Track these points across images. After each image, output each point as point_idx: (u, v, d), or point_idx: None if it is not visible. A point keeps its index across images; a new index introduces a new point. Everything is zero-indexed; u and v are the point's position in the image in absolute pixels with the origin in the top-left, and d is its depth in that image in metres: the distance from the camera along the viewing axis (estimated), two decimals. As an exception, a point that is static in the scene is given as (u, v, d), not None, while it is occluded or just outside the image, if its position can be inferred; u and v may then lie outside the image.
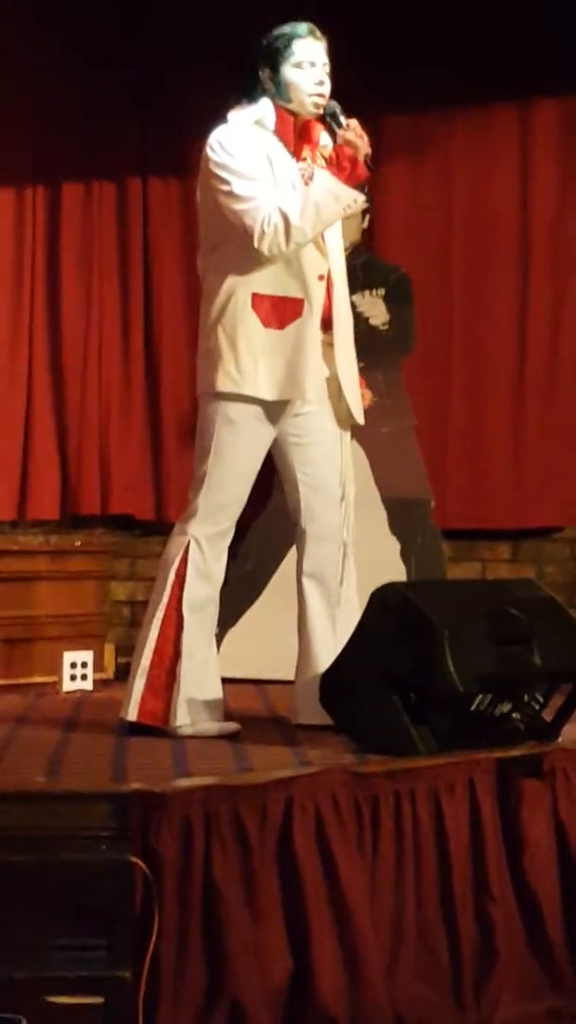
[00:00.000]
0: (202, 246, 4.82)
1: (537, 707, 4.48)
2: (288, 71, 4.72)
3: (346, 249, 6.72)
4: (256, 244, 4.58)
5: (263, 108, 4.75)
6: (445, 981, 3.89)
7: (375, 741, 4.19)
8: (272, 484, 5.44)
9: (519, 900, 4.10)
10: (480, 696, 4.25)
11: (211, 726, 4.72)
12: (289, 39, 4.74)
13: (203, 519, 4.76)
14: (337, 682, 4.36)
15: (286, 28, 4.78)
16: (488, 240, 6.97)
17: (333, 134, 4.73)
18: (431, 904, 3.94)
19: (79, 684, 6.09)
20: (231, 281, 4.68)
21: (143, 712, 4.74)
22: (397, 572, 6.43)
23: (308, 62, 4.72)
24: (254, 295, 4.68)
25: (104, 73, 7.11)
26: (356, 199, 4.67)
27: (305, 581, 4.89)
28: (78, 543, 6.95)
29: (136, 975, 3.45)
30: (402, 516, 6.66)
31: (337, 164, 4.64)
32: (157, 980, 3.47)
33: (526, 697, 4.43)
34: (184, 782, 3.83)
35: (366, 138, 4.68)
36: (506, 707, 4.36)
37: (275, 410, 4.77)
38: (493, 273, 6.96)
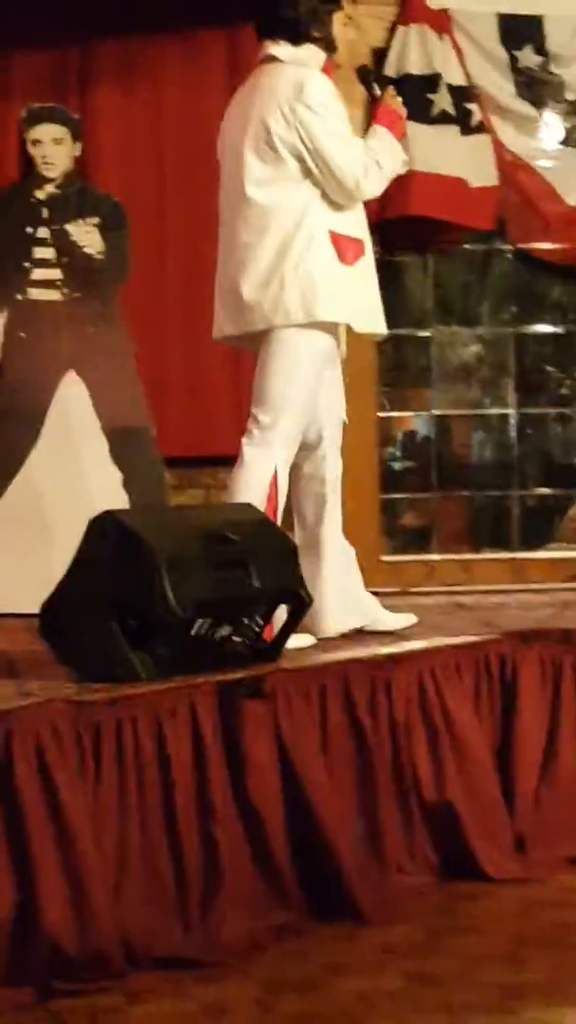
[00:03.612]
0: (266, 178, 4.99)
1: (257, 629, 4.52)
2: (338, 27, 5.10)
3: (57, 178, 6.69)
4: (357, 185, 4.97)
5: (319, 57, 5.07)
6: (171, 902, 3.92)
7: (96, 670, 4.18)
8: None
9: (243, 820, 4.14)
10: (199, 620, 4.27)
11: None
12: None
13: (284, 444, 5.01)
14: (56, 613, 4.32)
15: None
16: (201, 166, 6.89)
17: (370, 91, 5.33)
18: (155, 828, 3.95)
19: None
20: (307, 217, 4.96)
21: None
22: (119, 502, 6.41)
23: (351, 18, 5.27)
24: (331, 232, 4.99)
25: None
26: (404, 159, 5.22)
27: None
28: None
29: None
30: (123, 445, 6.65)
31: (389, 123, 5.13)
32: None
33: (245, 620, 4.46)
34: None
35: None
36: (226, 630, 4.38)
37: (336, 343, 5.10)
38: (207, 199, 6.89)
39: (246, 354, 6.86)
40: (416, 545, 7.42)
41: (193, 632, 4.27)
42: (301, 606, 4.56)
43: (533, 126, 7.25)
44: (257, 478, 4.98)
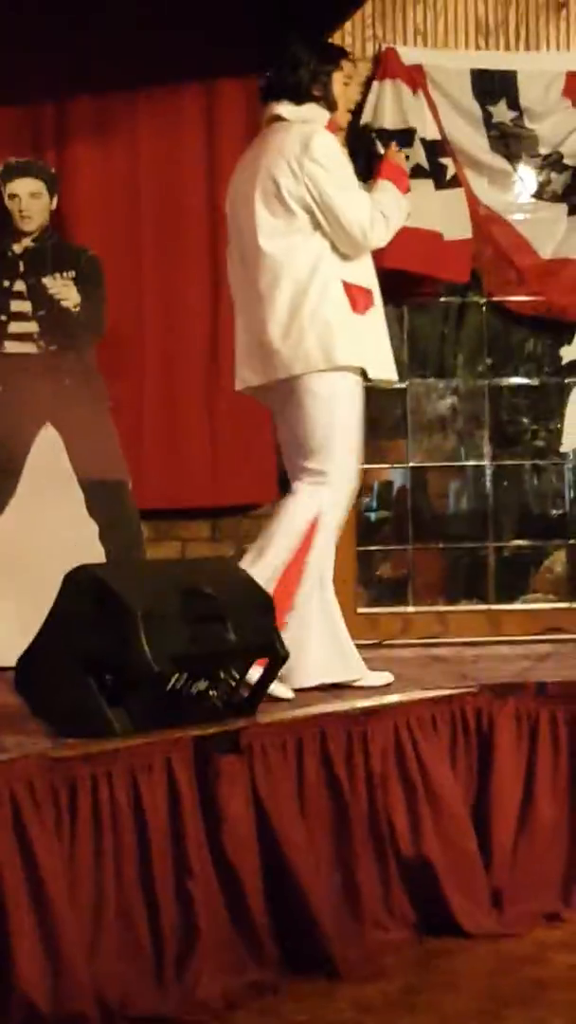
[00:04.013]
0: (279, 230, 5.17)
1: (233, 683, 4.52)
2: (338, 87, 5.31)
3: (34, 232, 6.71)
4: (364, 235, 5.16)
5: (323, 115, 5.27)
6: (147, 959, 3.90)
7: (71, 725, 4.16)
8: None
9: (219, 876, 4.13)
10: (176, 675, 4.27)
11: None
12: (339, 56, 5.37)
13: (334, 487, 5.21)
14: (32, 667, 4.32)
15: (331, 45, 5.56)
16: (177, 221, 6.98)
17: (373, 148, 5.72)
18: (131, 884, 3.94)
19: None
20: (320, 266, 5.15)
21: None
22: (96, 555, 6.41)
23: (350, 78, 5.49)
24: (344, 282, 5.16)
25: None
26: (409, 211, 5.42)
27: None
28: None
29: None
30: (99, 498, 6.64)
31: (395, 178, 5.34)
32: None
33: (222, 674, 4.46)
34: None
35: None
36: (202, 685, 4.38)
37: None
38: (183, 254, 6.98)
39: (222, 406, 6.91)
40: (392, 597, 7.43)
41: (169, 687, 4.27)
42: (277, 660, 4.56)
43: (507, 180, 7.30)
44: (303, 514, 5.15)
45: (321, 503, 5.20)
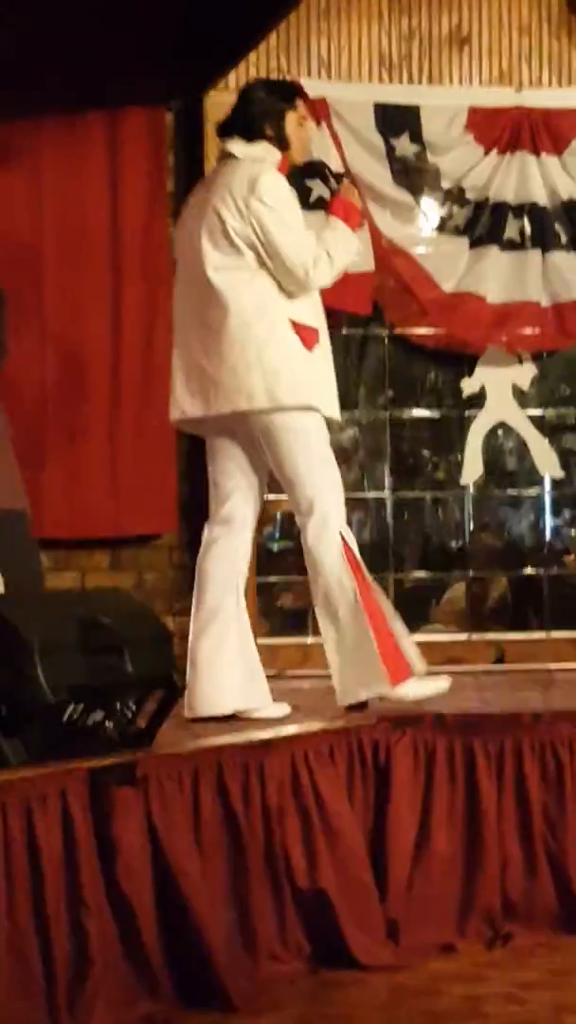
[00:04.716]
0: (225, 265, 5.20)
1: (130, 715, 4.50)
2: (291, 125, 5.33)
3: None
4: (306, 275, 5.18)
5: (273, 154, 5.30)
6: (38, 992, 3.86)
7: (-34, 756, 4.14)
8: None
9: (113, 909, 4.11)
10: (72, 706, 4.25)
11: None
12: (293, 95, 5.40)
13: (338, 507, 5.30)
14: None
15: (286, 84, 5.61)
16: (81, 249, 6.98)
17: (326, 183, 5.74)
18: (24, 916, 3.90)
19: None
20: (272, 305, 5.19)
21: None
22: (-6, 584, 6.37)
23: (305, 118, 5.42)
24: (292, 322, 5.20)
25: None
26: (358, 249, 5.50)
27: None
28: None
29: None
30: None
31: (345, 215, 5.35)
32: None
33: (119, 705, 4.44)
34: None
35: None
36: (99, 716, 4.36)
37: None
38: (86, 281, 6.98)
39: (124, 436, 6.90)
40: (293, 628, 7.43)
41: (65, 718, 4.24)
42: (174, 692, 4.56)
43: (410, 213, 7.36)
44: (334, 554, 5.24)
45: (338, 531, 5.28)
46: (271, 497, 7.41)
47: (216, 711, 5.19)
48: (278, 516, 7.62)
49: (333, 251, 5.26)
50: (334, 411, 5.36)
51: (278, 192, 5.23)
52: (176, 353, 5.38)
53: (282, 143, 5.33)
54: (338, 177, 5.60)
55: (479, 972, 4.59)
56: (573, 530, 7.88)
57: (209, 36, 6.35)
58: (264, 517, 7.41)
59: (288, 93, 5.42)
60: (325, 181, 5.64)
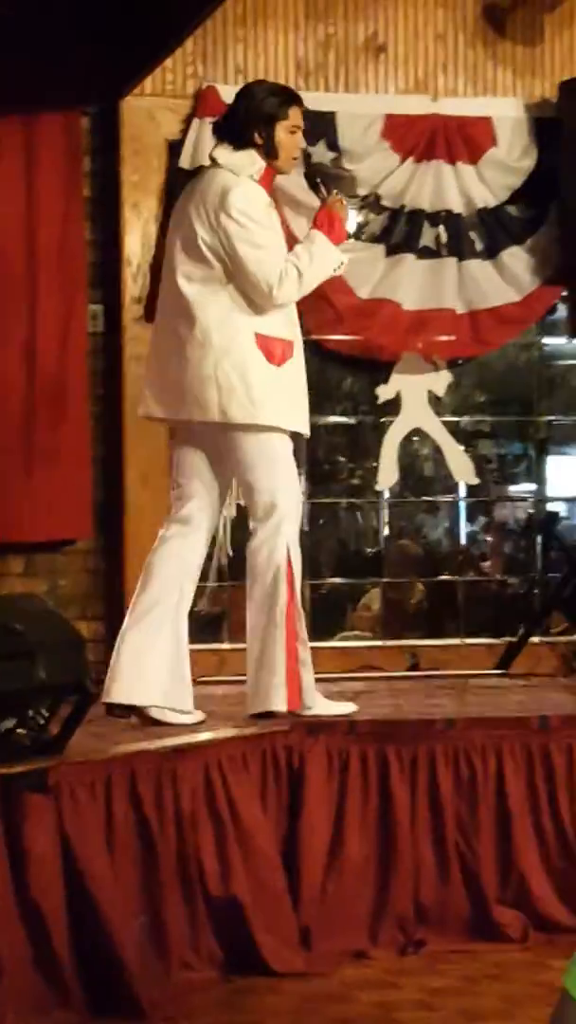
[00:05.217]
0: (195, 275, 5.24)
1: (42, 721, 4.48)
2: (281, 133, 5.30)
3: None
4: (270, 292, 5.16)
5: (256, 163, 5.28)
6: (-53, 1003, 3.85)
7: None
8: None
9: (23, 916, 4.10)
10: (-17, 713, 4.22)
11: None
12: (286, 103, 5.33)
13: (294, 520, 5.34)
14: None
15: (280, 91, 5.46)
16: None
17: (316, 193, 5.57)
18: None
19: None
20: (236, 318, 5.20)
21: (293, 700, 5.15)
22: None
23: (298, 127, 5.36)
24: (257, 334, 5.20)
25: None
26: (342, 261, 5.42)
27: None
28: None
29: None
30: None
31: (328, 227, 5.36)
32: None
33: (31, 712, 4.42)
34: None
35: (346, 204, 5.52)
36: (10, 723, 4.34)
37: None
38: (1, 286, 6.92)
39: (38, 440, 6.86)
40: (208, 634, 7.41)
41: (-24, 725, 4.22)
42: (87, 699, 4.53)
43: (326, 220, 7.33)
44: (277, 557, 5.28)
45: (287, 540, 5.31)
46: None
47: (132, 700, 5.18)
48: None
49: (304, 267, 5.25)
50: (300, 425, 5.40)
51: (248, 206, 5.22)
52: (151, 352, 5.48)
53: (270, 151, 5.32)
54: (328, 187, 5.53)
55: (391, 979, 4.60)
56: (488, 536, 7.91)
57: (125, 41, 6.32)
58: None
59: (283, 100, 5.38)
60: (315, 190, 5.60)
